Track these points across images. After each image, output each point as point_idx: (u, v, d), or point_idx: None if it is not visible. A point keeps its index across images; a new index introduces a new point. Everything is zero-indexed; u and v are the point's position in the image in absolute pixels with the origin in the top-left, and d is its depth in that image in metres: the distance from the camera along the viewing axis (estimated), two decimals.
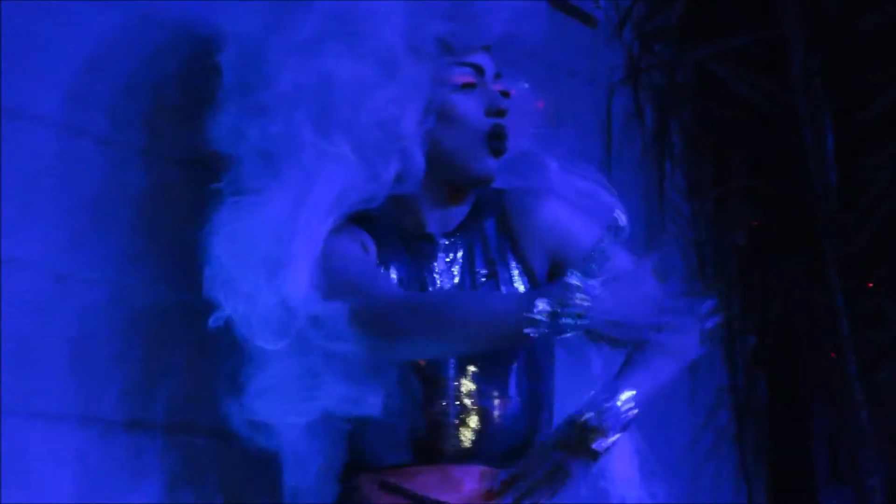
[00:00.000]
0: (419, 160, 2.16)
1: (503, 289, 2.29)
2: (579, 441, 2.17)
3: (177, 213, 2.38)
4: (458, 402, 2.24)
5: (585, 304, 1.93)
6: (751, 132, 3.52)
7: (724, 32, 3.47)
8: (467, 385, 2.25)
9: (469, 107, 2.20)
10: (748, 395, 3.55)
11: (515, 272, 2.31)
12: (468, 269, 2.30)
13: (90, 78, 2.32)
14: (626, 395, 2.18)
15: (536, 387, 2.30)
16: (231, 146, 2.18)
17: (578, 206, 2.36)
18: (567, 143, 2.43)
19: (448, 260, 2.30)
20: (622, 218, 2.06)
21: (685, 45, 3.43)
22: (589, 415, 2.16)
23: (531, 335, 1.96)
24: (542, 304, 1.94)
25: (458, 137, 2.21)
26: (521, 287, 2.30)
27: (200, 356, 2.36)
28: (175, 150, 2.41)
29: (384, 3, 2.15)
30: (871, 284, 3.49)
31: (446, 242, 2.27)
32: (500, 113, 2.20)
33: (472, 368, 2.24)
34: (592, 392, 2.22)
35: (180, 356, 2.40)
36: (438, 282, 2.28)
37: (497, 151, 2.21)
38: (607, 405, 2.16)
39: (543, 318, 1.95)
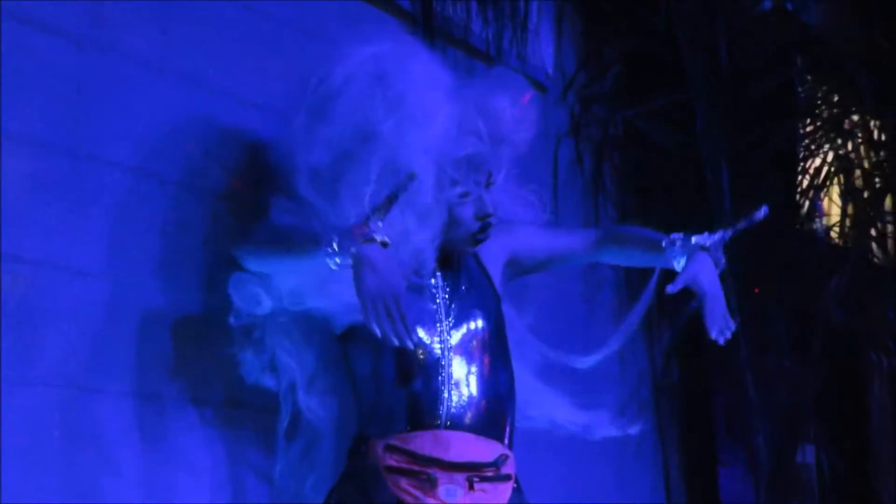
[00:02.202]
0: (430, 267, 2.44)
1: (481, 298, 2.52)
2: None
3: (222, 238, 2.57)
4: (448, 380, 2.41)
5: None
6: (666, 173, 3.80)
7: (646, 96, 3.77)
8: (456, 367, 2.44)
9: (465, 214, 2.45)
10: (664, 375, 3.85)
11: (486, 282, 2.55)
12: (454, 285, 2.51)
13: (155, 132, 2.52)
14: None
15: (506, 368, 2.51)
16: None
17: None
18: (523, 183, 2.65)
19: (444, 280, 2.51)
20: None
21: (616, 106, 3.74)
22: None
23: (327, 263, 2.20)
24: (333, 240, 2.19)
25: (455, 232, 2.46)
26: (491, 295, 2.53)
27: (229, 343, 2.51)
28: (226, 191, 2.63)
29: (422, 159, 2.31)
30: (756, 290, 3.74)
31: (440, 274, 2.50)
32: (487, 216, 2.44)
33: (458, 356, 2.45)
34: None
35: (219, 344, 2.52)
36: (437, 297, 2.49)
37: (478, 243, 2.49)
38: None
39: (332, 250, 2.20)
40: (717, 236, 2.54)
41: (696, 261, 2.51)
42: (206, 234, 2.59)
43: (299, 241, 2.32)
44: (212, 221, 2.60)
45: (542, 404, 2.65)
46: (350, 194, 2.33)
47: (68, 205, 2.35)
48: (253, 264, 2.43)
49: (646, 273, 2.65)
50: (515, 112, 2.47)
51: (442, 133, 2.36)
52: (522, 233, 2.63)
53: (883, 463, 4.31)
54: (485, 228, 2.48)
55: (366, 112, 2.34)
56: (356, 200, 2.31)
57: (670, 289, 2.46)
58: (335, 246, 2.23)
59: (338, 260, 2.23)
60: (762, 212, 2.53)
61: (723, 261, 2.52)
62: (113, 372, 2.41)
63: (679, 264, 2.53)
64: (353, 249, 2.21)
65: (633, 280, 3.70)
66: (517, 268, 2.64)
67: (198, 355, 2.55)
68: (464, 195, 2.43)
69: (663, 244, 2.54)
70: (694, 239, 2.52)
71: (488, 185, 2.46)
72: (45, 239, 2.30)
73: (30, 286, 2.27)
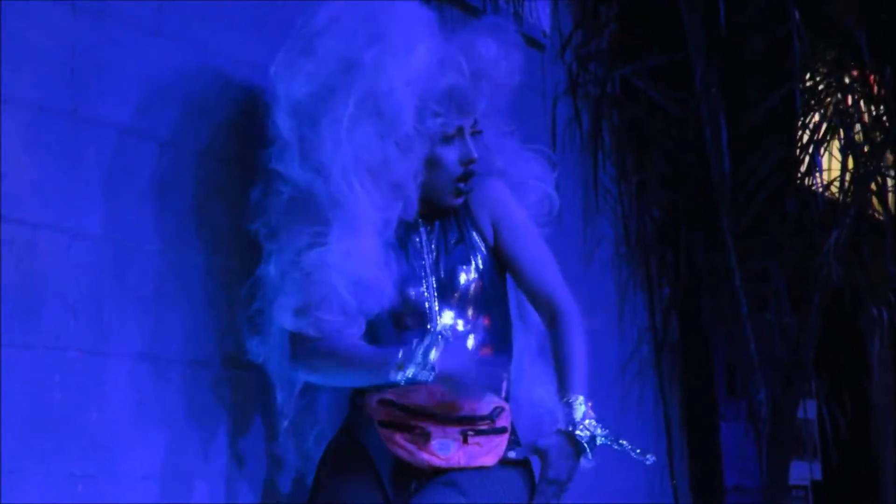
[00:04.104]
0: (414, 201, 2.45)
1: (470, 251, 2.51)
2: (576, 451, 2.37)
3: (219, 200, 2.59)
4: (441, 337, 2.36)
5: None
6: (664, 131, 3.82)
7: (643, 54, 3.78)
8: (447, 321, 2.46)
9: (448, 157, 2.46)
10: (664, 332, 3.87)
11: (475, 236, 2.54)
12: (443, 238, 2.53)
13: (152, 94, 2.51)
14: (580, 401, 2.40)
15: (501, 320, 2.53)
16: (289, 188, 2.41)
17: (522, 177, 2.64)
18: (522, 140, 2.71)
19: (429, 232, 2.52)
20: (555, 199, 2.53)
21: (613, 65, 3.75)
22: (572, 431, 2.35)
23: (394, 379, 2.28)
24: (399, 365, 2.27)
25: (436, 179, 2.46)
26: (481, 248, 2.52)
27: (233, 305, 2.53)
28: (223, 152, 2.62)
29: (403, 89, 2.36)
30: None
31: (427, 228, 2.52)
32: (470, 161, 2.46)
33: (449, 312, 2.47)
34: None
35: (223, 308, 2.57)
36: (425, 252, 2.50)
37: (460, 192, 2.49)
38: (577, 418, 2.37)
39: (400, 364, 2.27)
40: (589, 441, 2.41)
41: (558, 443, 2.42)
42: (204, 195, 2.58)
43: (367, 362, 2.36)
44: (210, 183, 2.59)
45: (533, 379, 2.64)
46: (329, 122, 2.35)
47: (66, 167, 2.34)
48: (307, 377, 2.47)
49: None
50: (499, 53, 2.47)
51: (423, 64, 2.38)
52: (515, 217, 2.58)
53: (884, 418, 4.31)
54: (467, 176, 2.48)
55: (349, 45, 2.37)
56: (334, 129, 2.34)
57: (513, 455, 2.44)
58: (402, 366, 2.31)
59: (407, 375, 2.31)
60: (650, 459, 2.50)
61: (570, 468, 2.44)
62: (113, 334, 2.41)
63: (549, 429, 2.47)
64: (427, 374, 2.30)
65: (631, 237, 3.76)
66: (495, 241, 2.59)
67: (198, 317, 2.55)
68: (446, 133, 2.44)
69: (562, 404, 2.45)
70: (578, 431, 2.40)
71: (474, 132, 2.47)
72: (43, 202, 2.30)
73: (29, 249, 2.26)
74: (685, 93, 3.75)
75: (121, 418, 2.39)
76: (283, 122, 2.39)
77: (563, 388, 2.45)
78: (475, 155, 2.47)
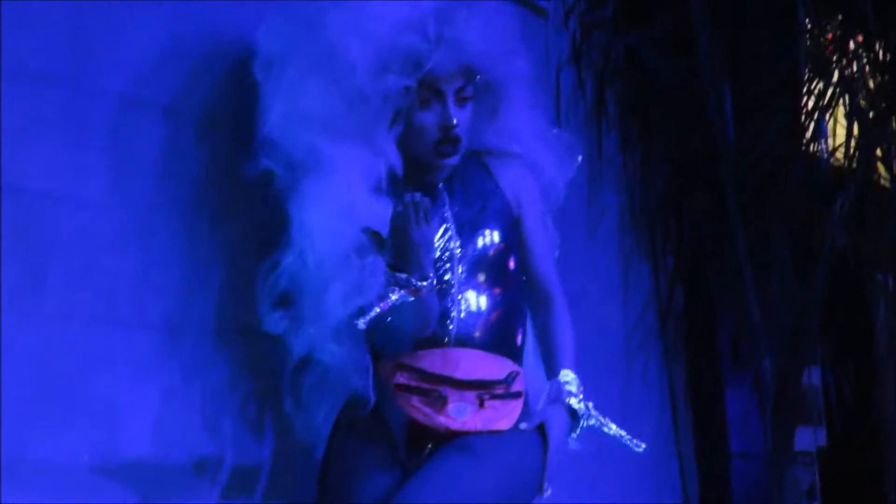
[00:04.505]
0: (392, 158, 2.45)
1: (492, 219, 2.51)
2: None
3: (224, 166, 2.60)
4: (456, 297, 2.43)
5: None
6: (668, 100, 3.78)
7: (647, 22, 3.74)
8: (464, 284, 2.46)
9: (427, 121, 2.46)
10: (669, 301, 3.85)
11: (501, 206, 2.54)
12: (467, 204, 2.52)
13: (154, 62, 2.53)
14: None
15: (518, 285, 2.54)
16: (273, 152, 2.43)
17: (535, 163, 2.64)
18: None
19: (451, 198, 2.53)
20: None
21: (617, 33, 3.71)
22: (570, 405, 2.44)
23: None
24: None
25: (416, 144, 2.47)
26: (505, 218, 2.52)
27: (239, 268, 2.55)
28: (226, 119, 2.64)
29: (356, 45, 2.38)
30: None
31: (449, 194, 2.52)
32: (449, 127, 2.44)
33: (466, 273, 2.46)
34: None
35: (228, 272, 2.59)
36: (446, 213, 2.50)
37: (444, 155, 2.47)
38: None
39: None
40: (588, 419, 2.52)
41: (554, 414, 2.49)
42: (207, 161, 2.58)
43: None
44: (214, 149, 2.59)
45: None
46: (293, 76, 2.40)
47: (69, 136, 2.34)
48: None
49: None
50: (480, 24, 2.47)
51: (379, 22, 2.40)
52: (528, 223, 2.60)
53: (888, 384, 4.29)
54: (447, 141, 2.47)
55: (316, 7, 2.43)
56: (290, 85, 2.39)
57: (525, 426, 2.46)
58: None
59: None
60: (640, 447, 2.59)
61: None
62: (119, 303, 2.41)
63: (539, 403, 2.53)
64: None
65: (635, 206, 3.76)
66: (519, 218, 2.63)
67: (205, 283, 2.55)
68: (422, 97, 2.43)
69: (557, 380, 2.52)
70: (572, 402, 2.50)
71: (460, 99, 2.46)
72: (46, 171, 2.30)
73: (33, 218, 2.27)
74: (689, 61, 3.72)
75: (127, 387, 2.40)
76: (261, 75, 2.45)
77: (556, 365, 2.53)
78: (453, 121, 2.45)
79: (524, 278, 2.60)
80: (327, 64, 2.39)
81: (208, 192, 2.58)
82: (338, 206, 2.37)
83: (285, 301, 2.43)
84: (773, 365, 3.78)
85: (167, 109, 2.53)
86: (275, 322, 2.43)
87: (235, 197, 2.57)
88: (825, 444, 4.49)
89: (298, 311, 2.42)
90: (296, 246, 2.40)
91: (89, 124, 2.38)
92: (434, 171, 2.51)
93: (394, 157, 2.45)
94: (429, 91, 2.44)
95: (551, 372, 2.55)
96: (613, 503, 3.58)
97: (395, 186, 2.44)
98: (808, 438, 4.34)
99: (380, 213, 2.37)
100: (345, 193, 2.38)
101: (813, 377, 4.31)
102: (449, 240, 2.47)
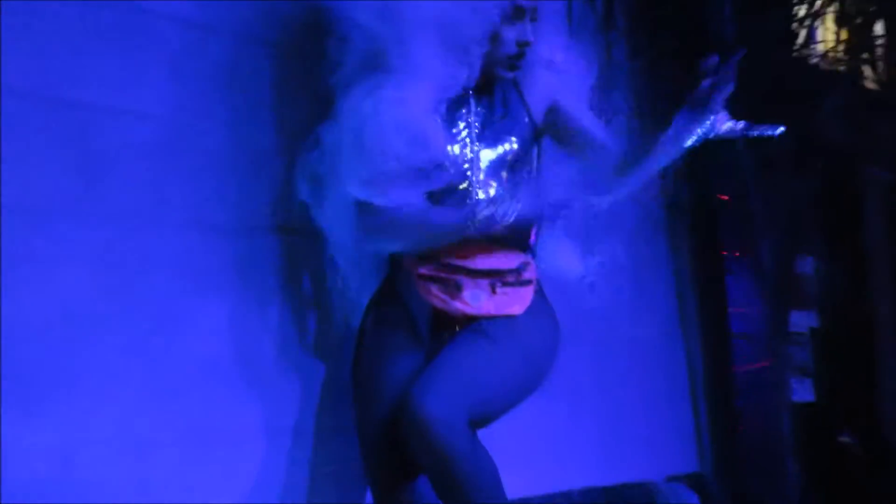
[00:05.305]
0: (476, 68, 2.41)
1: (513, 125, 2.48)
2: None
3: (282, 86, 2.59)
4: (475, 195, 2.40)
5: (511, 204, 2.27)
6: (674, 6, 3.71)
7: None
8: (484, 184, 2.43)
9: (508, 38, 2.43)
10: (674, 194, 3.82)
11: (523, 113, 2.51)
12: (490, 110, 2.49)
13: None
14: None
15: (526, 189, 2.45)
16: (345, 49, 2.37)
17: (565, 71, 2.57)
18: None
19: (477, 103, 2.48)
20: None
21: None
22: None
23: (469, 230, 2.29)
24: (481, 210, 2.29)
25: (495, 52, 2.44)
26: (524, 124, 2.49)
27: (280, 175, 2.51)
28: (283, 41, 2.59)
29: None
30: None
31: (476, 99, 2.47)
32: (525, 44, 2.44)
33: (486, 174, 2.43)
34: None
35: (271, 177, 2.54)
36: (471, 118, 2.46)
37: (515, 68, 2.47)
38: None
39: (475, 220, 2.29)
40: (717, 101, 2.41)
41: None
42: (258, 80, 2.54)
43: (443, 226, 2.34)
44: (261, 70, 2.55)
45: (553, 251, 2.62)
46: None
47: (126, 53, 2.31)
48: (375, 246, 2.46)
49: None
50: None
51: None
52: (573, 98, 2.57)
53: (878, 269, 4.29)
54: (520, 56, 2.46)
55: None
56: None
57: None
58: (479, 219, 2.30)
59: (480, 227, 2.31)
60: (740, 55, 2.41)
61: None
62: (174, 205, 2.40)
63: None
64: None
65: (643, 109, 3.66)
66: (550, 121, 2.57)
67: (251, 187, 2.53)
68: (509, 13, 2.41)
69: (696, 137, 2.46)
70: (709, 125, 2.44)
71: (532, 18, 2.45)
72: (104, 86, 2.28)
73: (92, 131, 2.25)
74: None
75: (180, 285, 2.40)
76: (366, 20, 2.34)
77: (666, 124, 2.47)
78: (531, 38, 2.45)
79: (584, 142, 2.55)
80: None
81: (256, 107, 2.54)
82: (391, 98, 2.31)
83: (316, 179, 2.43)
84: (770, 252, 3.78)
85: (221, 31, 2.49)
86: (304, 190, 2.42)
87: (291, 107, 2.53)
88: (817, 325, 4.51)
89: (324, 187, 2.42)
90: (337, 126, 2.36)
91: (145, 43, 2.35)
92: (493, 81, 2.49)
93: (476, 69, 2.40)
94: (516, 10, 2.42)
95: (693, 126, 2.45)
96: (624, 386, 3.60)
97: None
98: (802, 320, 4.36)
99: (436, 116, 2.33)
100: (411, 89, 2.32)
101: (807, 266, 4.30)
102: (474, 141, 2.45)
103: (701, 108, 2.41)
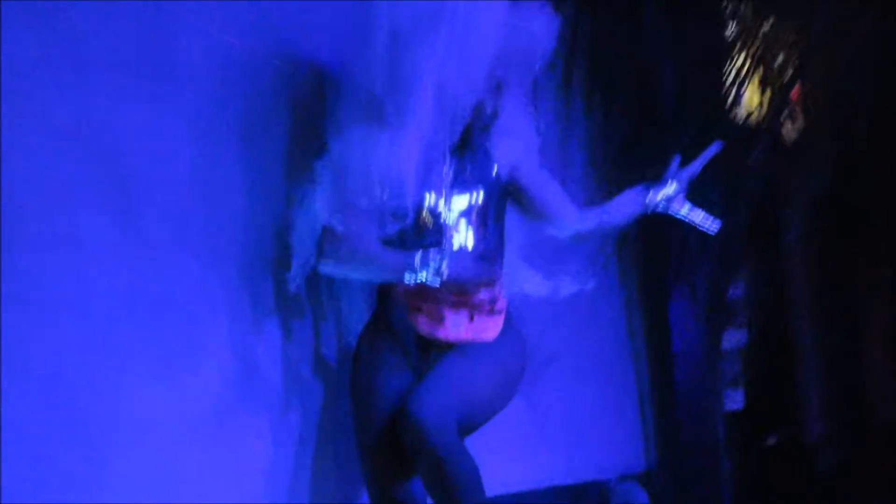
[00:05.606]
0: (458, 132, 2.40)
1: (481, 178, 2.45)
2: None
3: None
4: (450, 237, 2.41)
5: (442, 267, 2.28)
6: (624, 72, 3.64)
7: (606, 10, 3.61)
8: (457, 227, 2.44)
9: (486, 105, 2.44)
10: (626, 232, 3.54)
11: (491, 170, 2.49)
12: (462, 165, 2.47)
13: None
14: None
15: (491, 234, 2.49)
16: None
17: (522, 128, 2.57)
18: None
19: (452, 157, 2.46)
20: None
21: (583, 17, 3.51)
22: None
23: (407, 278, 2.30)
24: (414, 266, 2.29)
25: (473, 120, 2.43)
26: (491, 179, 2.47)
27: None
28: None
29: (485, 42, 2.30)
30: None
31: (451, 155, 2.45)
32: (497, 113, 2.45)
33: (460, 218, 2.44)
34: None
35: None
36: (447, 170, 2.44)
37: (485, 131, 2.47)
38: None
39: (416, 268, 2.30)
40: (683, 180, 2.50)
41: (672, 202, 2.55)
42: (270, 131, 2.52)
43: (387, 263, 2.32)
44: (273, 121, 2.53)
45: (521, 279, 2.64)
46: (421, 51, 2.28)
47: (157, 109, 2.31)
48: (329, 271, 2.42)
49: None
50: (544, 30, 2.45)
51: (501, 25, 2.32)
52: (534, 165, 2.54)
53: (798, 289, 4.30)
54: (495, 120, 2.46)
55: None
56: (424, 57, 2.26)
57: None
58: (417, 270, 2.29)
59: (419, 278, 2.30)
60: (716, 146, 2.52)
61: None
62: (194, 239, 2.40)
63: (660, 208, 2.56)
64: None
65: (597, 159, 3.68)
66: (512, 179, 2.54)
67: (262, 223, 2.51)
68: (498, 83, 2.41)
69: (647, 204, 2.53)
70: (662, 194, 2.52)
71: (499, 87, 2.46)
72: (136, 135, 2.29)
73: (127, 174, 2.26)
74: (640, 45, 3.68)
75: (199, 308, 2.39)
76: (381, 42, 2.31)
77: (643, 190, 2.52)
78: (503, 108, 2.47)
79: (552, 208, 2.53)
80: (458, 50, 2.30)
81: (277, 152, 2.54)
82: (383, 148, 2.30)
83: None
84: (706, 280, 3.79)
85: (248, 87, 2.49)
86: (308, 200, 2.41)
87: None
88: (746, 343, 4.46)
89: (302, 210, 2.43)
90: (328, 159, 2.37)
91: (176, 99, 2.35)
92: (467, 141, 2.47)
93: (457, 133, 2.40)
94: (497, 85, 2.42)
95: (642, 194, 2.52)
96: (581, 395, 3.60)
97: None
98: (733, 338, 4.33)
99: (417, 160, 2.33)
100: (400, 143, 2.31)
101: (738, 290, 4.28)
102: (448, 191, 2.44)
103: (664, 189, 2.49)
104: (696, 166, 2.49)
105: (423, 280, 2.28)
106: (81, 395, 2.16)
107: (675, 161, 2.47)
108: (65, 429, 2.12)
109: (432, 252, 2.30)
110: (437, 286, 2.34)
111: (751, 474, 4.18)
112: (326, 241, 2.35)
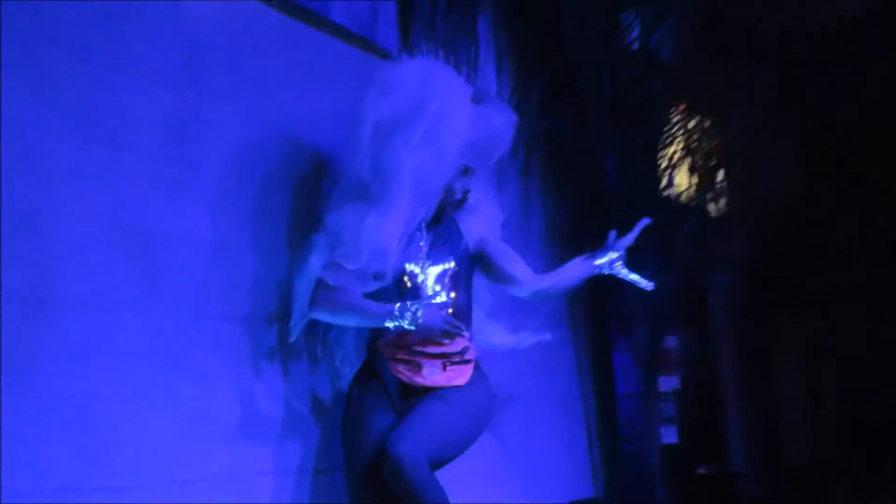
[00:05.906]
0: (433, 208, 2.43)
1: (453, 249, 2.45)
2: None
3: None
4: (426, 298, 2.39)
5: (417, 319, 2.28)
6: (573, 160, 3.70)
7: (558, 109, 3.66)
8: (432, 290, 2.44)
9: (458, 186, 2.49)
10: (575, 294, 3.54)
11: (461, 242, 2.51)
12: (436, 237, 2.49)
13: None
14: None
15: (467, 293, 2.52)
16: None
17: (487, 208, 2.59)
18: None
19: (428, 232, 2.48)
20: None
21: (540, 116, 3.58)
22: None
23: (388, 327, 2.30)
24: (394, 315, 2.29)
25: (446, 197, 2.48)
26: (461, 250, 2.48)
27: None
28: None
29: (454, 133, 2.31)
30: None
31: (427, 229, 2.49)
32: (467, 193, 2.50)
33: (435, 283, 2.44)
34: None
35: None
36: (422, 242, 2.45)
37: (456, 208, 2.51)
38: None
39: (395, 317, 2.30)
40: (621, 248, 2.54)
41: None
42: (277, 212, 2.49)
43: (369, 311, 2.33)
44: (279, 204, 2.51)
45: (487, 333, 2.65)
46: (399, 142, 2.30)
47: (179, 196, 2.29)
48: (319, 316, 2.42)
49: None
50: (504, 127, 2.47)
51: (469, 119, 2.36)
52: (498, 240, 2.57)
53: (723, 348, 4.29)
54: (463, 200, 2.50)
55: (420, 92, 2.32)
56: (402, 148, 2.28)
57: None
58: (397, 318, 2.30)
59: (397, 324, 2.31)
60: (644, 222, 2.56)
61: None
62: (212, 302, 2.36)
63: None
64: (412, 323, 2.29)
65: (553, 232, 3.68)
66: (479, 248, 2.56)
67: (270, 289, 2.47)
68: (465, 169, 2.43)
69: (595, 270, 2.55)
70: (606, 260, 2.54)
71: (472, 171, 2.51)
72: (162, 217, 2.25)
73: (153, 249, 2.22)
74: (589, 135, 3.72)
75: (213, 361, 2.32)
76: (364, 136, 2.34)
77: (584, 274, 2.53)
78: (471, 188, 2.51)
79: (514, 276, 2.54)
80: (431, 140, 2.31)
81: (284, 231, 2.51)
82: (371, 221, 2.31)
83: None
84: (643, 335, 3.80)
85: (258, 175, 2.46)
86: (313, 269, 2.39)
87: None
88: (679, 387, 4.51)
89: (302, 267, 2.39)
90: (324, 230, 2.36)
91: (194, 186, 2.32)
92: (441, 216, 2.50)
93: (431, 210, 2.43)
94: (465, 169, 2.46)
95: (587, 260, 2.54)
96: (539, 431, 3.58)
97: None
98: (668, 383, 4.36)
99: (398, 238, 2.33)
100: (385, 221, 2.31)
101: (671, 342, 4.34)
102: (424, 259, 2.46)
103: (606, 255, 2.53)
104: (630, 237, 2.55)
105: (401, 326, 2.29)
106: (99, 422, 2.09)
107: (612, 234, 2.53)
108: (71, 443, 2.04)
109: (410, 303, 2.31)
110: (415, 339, 2.36)
111: (684, 499, 4.19)
112: (319, 290, 2.36)
